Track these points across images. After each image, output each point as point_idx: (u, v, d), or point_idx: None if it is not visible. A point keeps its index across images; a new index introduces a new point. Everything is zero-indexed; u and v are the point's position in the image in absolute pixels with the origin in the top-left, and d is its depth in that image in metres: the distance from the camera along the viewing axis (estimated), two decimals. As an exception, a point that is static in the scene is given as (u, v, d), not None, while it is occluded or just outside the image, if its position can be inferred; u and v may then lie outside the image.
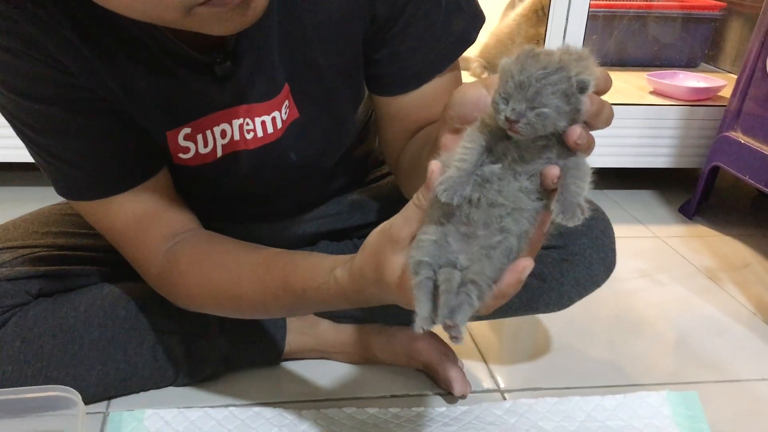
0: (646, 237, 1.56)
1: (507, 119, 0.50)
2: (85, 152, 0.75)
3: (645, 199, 1.78)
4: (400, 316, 0.95)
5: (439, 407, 0.95)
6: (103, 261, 0.93)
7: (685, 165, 1.73)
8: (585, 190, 0.52)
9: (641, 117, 1.68)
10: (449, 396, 0.98)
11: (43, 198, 0.98)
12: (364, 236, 0.87)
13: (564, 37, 1.62)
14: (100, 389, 0.90)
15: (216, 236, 0.83)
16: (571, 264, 0.94)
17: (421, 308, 0.56)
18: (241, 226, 0.92)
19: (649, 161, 1.72)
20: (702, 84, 1.78)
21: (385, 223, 0.63)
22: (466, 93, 0.58)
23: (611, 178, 1.84)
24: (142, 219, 0.79)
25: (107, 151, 0.76)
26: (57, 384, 0.85)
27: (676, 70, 1.89)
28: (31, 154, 0.77)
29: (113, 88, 0.72)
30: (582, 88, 0.50)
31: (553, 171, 0.52)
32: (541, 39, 1.66)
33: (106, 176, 0.76)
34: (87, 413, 0.85)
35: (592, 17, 1.72)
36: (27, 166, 1.49)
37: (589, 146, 0.53)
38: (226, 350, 0.96)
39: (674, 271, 1.41)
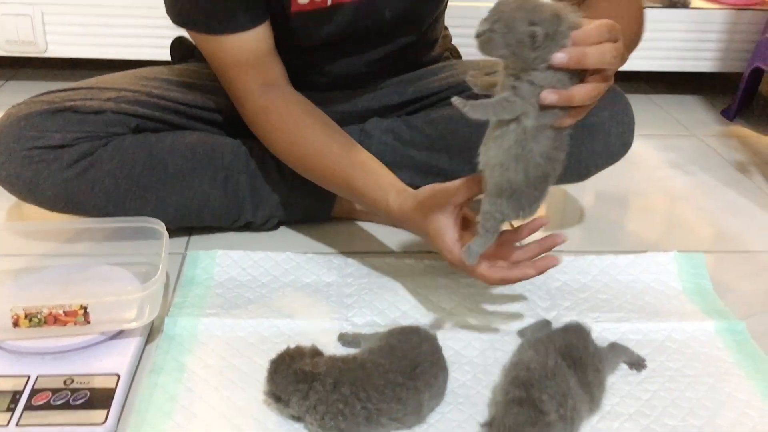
0: (684, 135, 1.64)
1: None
2: None
3: (688, 102, 1.83)
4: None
5: (468, 260, 1.08)
6: (190, 115, 1.09)
7: (728, 69, 1.78)
8: None
9: (686, 21, 1.73)
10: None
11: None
12: (413, 112, 1.08)
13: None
14: (178, 214, 1.06)
15: (307, 106, 1.01)
16: (590, 133, 1.03)
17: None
18: (311, 93, 1.07)
19: (693, 65, 1.78)
20: (750, -12, 1.80)
21: (443, 186, 0.83)
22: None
23: (656, 82, 1.90)
24: (245, 62, 0.97)
25: None
26: (144, 205, 1.03)
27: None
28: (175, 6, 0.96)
29: None
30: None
31: None
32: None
33: (232, 16, 0.94)
34: (170, 253, 1.02)
35: None
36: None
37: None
38: (285, 196, 1.11)
39: (705, 164, 1.48)
